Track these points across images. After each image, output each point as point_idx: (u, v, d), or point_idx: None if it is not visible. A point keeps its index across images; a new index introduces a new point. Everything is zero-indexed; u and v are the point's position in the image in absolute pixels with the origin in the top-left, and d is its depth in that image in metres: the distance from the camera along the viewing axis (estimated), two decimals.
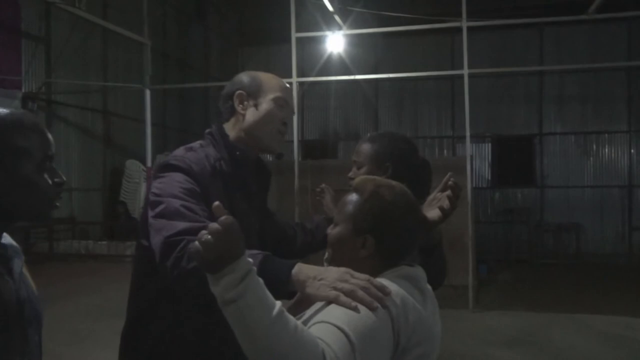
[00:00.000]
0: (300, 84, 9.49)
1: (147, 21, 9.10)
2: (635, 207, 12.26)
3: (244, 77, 1.64)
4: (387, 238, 1.17)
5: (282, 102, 1.59)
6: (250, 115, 1.58)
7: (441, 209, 1.45)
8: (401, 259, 1.20)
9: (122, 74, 11.24)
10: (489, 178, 13.19)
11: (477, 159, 12.68)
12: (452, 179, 1.47)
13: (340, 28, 8.95)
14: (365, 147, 1.76)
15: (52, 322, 4.77)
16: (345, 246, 1.20)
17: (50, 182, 1.11)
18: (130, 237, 9.21)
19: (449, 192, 1.45)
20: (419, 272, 1.21)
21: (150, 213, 1.39)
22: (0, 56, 8.46)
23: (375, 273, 1.15)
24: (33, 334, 1.16)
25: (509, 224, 12.61)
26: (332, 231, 1.24)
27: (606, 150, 12.58)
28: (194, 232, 1.24)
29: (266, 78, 1.62)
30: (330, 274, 1.11)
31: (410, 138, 1.84)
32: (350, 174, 1.77)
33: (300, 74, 9.36)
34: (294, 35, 7.61)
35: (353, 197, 1.23)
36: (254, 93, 1.59)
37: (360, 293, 1.05)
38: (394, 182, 1.25)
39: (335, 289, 1.08)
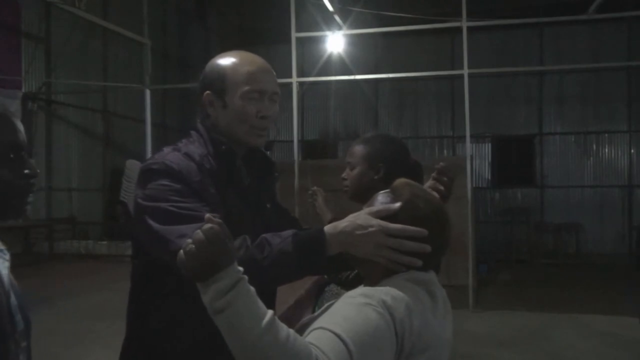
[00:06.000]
0: (300, 84, 9.48)
1: (147, 21, 9.10)
2: (635, 207, 12.25)
3: (208, 71, 1.46)
4: None
5: (254, 95, 1.40)
6: (222, 117, 1.43)
7: (438, 191, 1.49)
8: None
9: (122, 74, 11.21)
10: (489, 178, 13.19)
11: (477, 159, 12.66)
12: (442, 163, 1.55)
13: (340, 28, 8.95)
14: (358, 149, 1.79)
15: (52, 322, 4.76)
16: None
17: (15, 174, 1.02)
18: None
19: (442, 176, 1.52)
20: (430, 275, 1.19)
21: (146, 223, 1.28)
22: (0, 56, 8.46)
23: (386, 274, 1.15)
24: (22, 340, 1.08)
25: (509, 224, 12.59)
26: None
27: (606, 150, 12.57)
28: None
29: (231, 69, 1.42)
30: (361, 232, 1.17)
31: (402, 139, 1.87)
32: (344, 175, 1.81)
33: (300, 74, 9.37)
34: (294, 35, 7.62)
35: (386, 198, 1.21)
36: (219, 92, 1.42)
37: (404, 258, 1.13)
38: (431, 196, 1.22)
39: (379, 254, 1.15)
